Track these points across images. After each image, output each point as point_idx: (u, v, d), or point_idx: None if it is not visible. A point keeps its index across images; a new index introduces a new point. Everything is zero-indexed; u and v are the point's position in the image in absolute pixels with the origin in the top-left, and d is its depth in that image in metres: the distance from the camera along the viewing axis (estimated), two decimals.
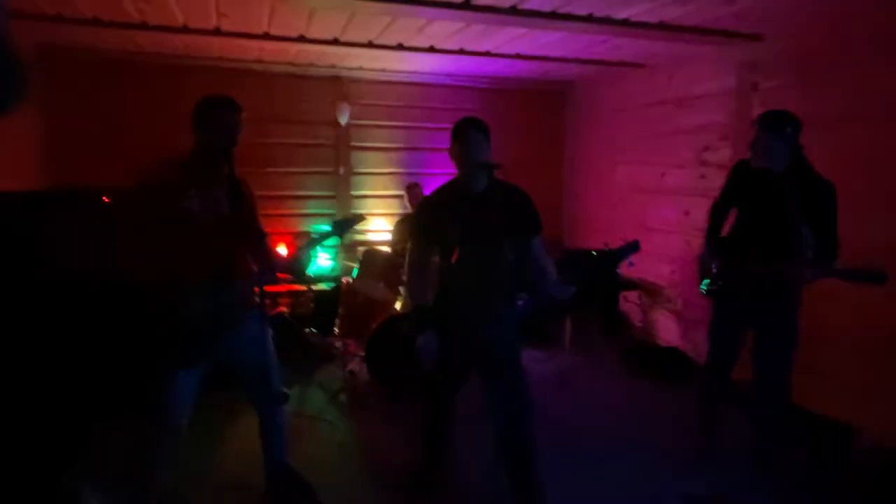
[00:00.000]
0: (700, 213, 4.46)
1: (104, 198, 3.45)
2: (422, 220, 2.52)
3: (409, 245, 2.54)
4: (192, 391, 2.28)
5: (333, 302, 4.72)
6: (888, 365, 3.06)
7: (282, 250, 4.61)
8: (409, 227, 2.57)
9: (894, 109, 3.05)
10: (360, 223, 2.53)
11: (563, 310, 4.83)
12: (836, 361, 3.33)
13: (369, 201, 5.73)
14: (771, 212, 2.62)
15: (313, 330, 4.80)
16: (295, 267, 2.39)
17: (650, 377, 4.31)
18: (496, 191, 2.40)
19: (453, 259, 2.37)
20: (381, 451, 3.29)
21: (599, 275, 2.41)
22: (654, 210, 4.98)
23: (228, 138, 2.17)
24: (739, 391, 3.01)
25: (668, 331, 4.81)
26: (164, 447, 2.26)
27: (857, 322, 3.22)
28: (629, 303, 5.29)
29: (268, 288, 2.32)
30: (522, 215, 2.44)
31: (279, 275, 2.37)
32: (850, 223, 2.64)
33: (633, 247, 2.33)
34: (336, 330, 4.44)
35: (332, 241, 2.57)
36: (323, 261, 5.25)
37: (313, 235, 2.41)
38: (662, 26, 3.54)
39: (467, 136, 2.34)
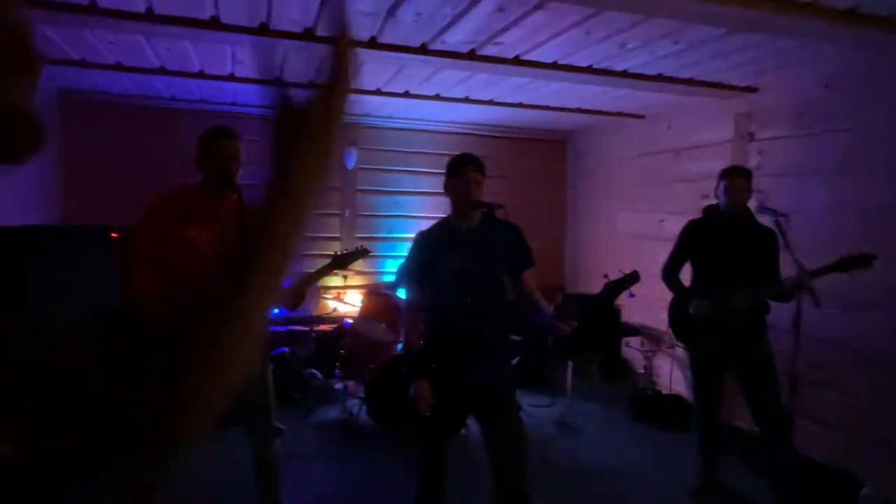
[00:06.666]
0: None
1: (113, 233, 3.51)
2: (417, 258, 2.49)
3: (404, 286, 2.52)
4: None
5: (335, 343, 4.72)
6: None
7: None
8: (403, 266, 2.54)
9: (886, 162, 3.12)
10: (364, 257, 2.52)
11: (564, 355, 4.81)
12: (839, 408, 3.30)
13: (374, 244, 5.79)
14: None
15: (314, 371, 4.78)
16: (292, 299, 2.39)
17: (654, 424, 4.25)
18: (489, 226, 2.43)
19: (449, 297, 2.34)
20: (378, 494, 3.23)
21: (601, 305, 2.38)
22: (654, 257, 4.99)
23: (229, 166, 2.24)
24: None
25: (670, 377, 4.76)
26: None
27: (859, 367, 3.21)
28: (631, 349, 5.26)
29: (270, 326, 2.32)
30: (516, 249, 2.47)
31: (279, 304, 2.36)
32: None
33: (633, 277, 2.31)
34: (337, 371, 4.42)
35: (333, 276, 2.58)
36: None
37: (315, 269, 2.41)
38: (660, 78, 3.67)
39: (465, 173, 2.36)
